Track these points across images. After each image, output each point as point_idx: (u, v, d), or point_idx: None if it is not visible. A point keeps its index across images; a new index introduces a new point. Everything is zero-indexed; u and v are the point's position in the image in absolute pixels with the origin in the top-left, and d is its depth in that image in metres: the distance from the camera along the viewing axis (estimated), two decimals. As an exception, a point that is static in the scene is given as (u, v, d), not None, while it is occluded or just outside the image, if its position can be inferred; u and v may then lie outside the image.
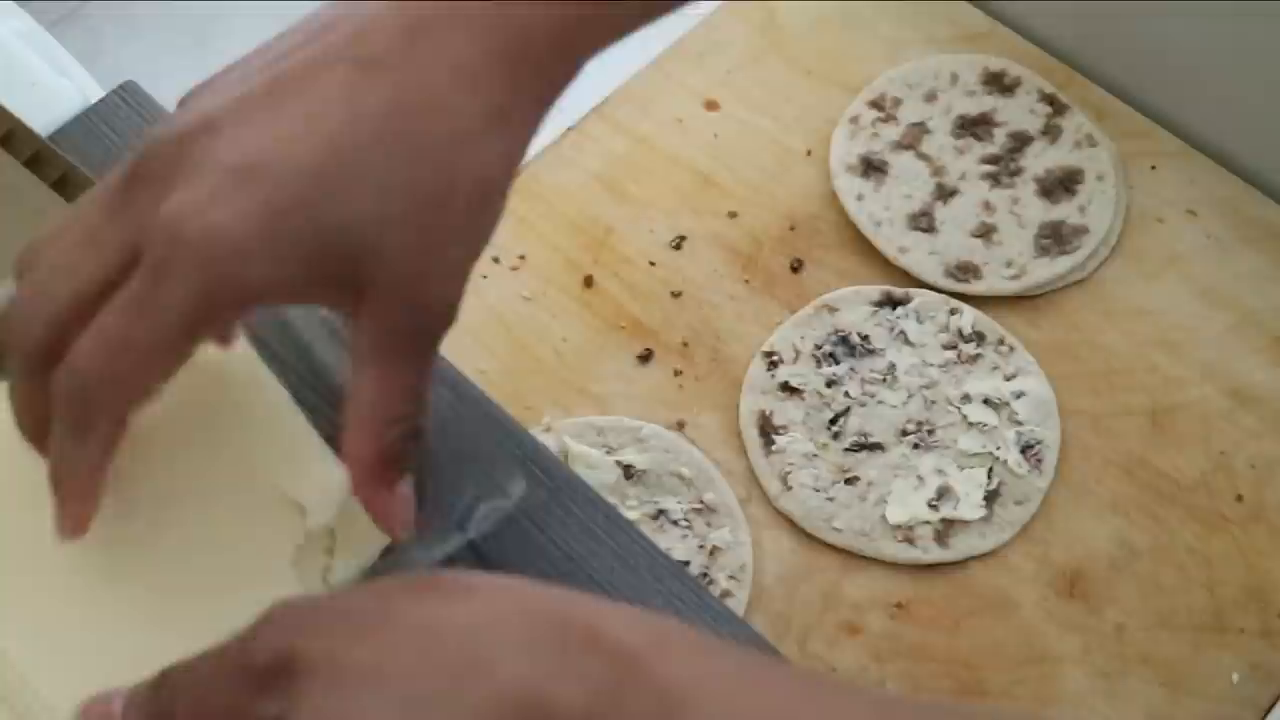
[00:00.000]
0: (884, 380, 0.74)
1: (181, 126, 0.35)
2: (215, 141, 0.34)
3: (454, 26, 0.36)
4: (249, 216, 0.33)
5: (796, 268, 0.78)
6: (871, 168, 0.80)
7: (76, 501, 0.37)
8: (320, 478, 0.42)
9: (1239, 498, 0.71)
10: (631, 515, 0.70)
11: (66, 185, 0.49)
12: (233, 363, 0.42)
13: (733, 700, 0.29)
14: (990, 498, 0.71)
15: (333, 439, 0.43)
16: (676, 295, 0.77)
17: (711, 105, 0.84)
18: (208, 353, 0.37)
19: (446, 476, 0.45)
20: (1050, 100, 0.82)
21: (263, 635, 0.30)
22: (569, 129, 0.83)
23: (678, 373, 0.75)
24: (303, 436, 0.43)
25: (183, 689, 0.31)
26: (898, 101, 0.82)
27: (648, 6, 0.40)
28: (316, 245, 0.34)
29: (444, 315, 0.37)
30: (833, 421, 0.73)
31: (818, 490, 0.71)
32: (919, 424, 0.73)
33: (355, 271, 0.35)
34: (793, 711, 0.29)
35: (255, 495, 0.42)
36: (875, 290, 0.76)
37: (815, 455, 0.72)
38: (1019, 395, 0.73)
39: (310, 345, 0.46)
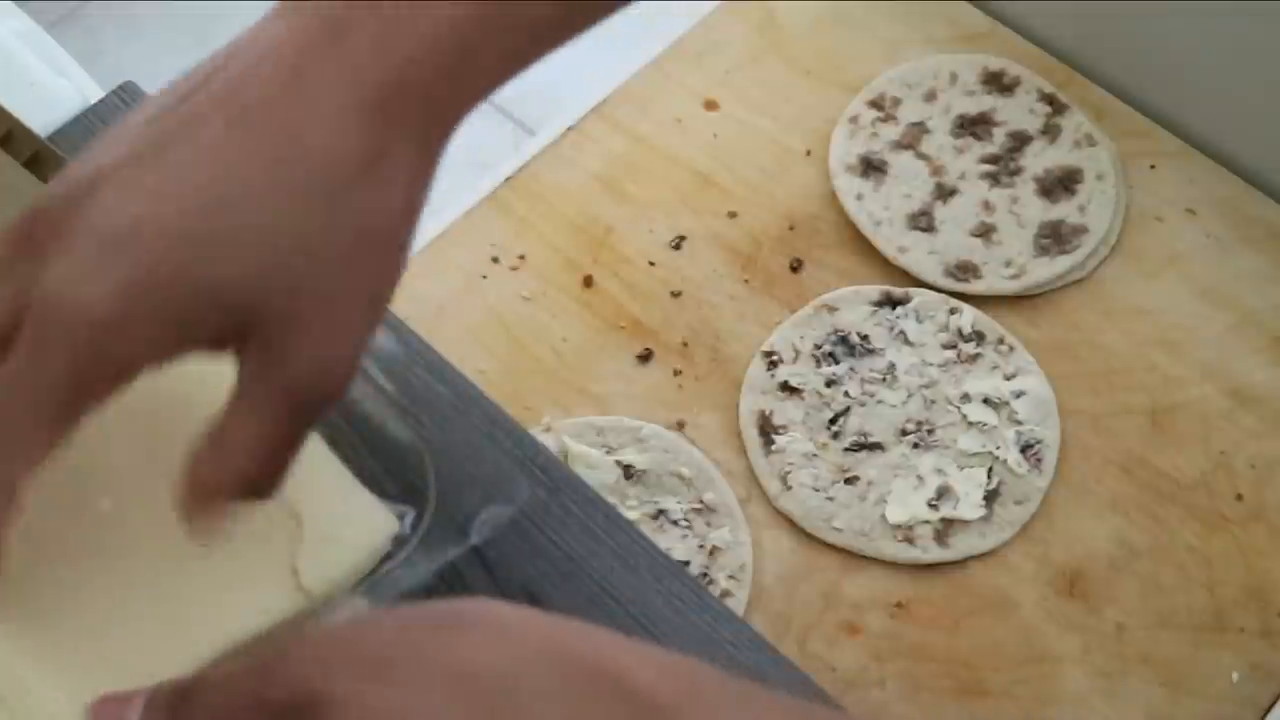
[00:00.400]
0: (884, 380, 0.74)
1: (68, 188, 0.34)
2: (93, 208, 0.34)
3: (332, 66, 0.34)
4: (119, 288, 0.33)
5: (796, 267, 0.78)
6: (871, 167, 0.80)
7: None
8: (320, 484, 0.42)
9: (1239, 497, 0.71)
10: (631, 515, 0.70)
11: (66, 186, 0.49)
12: (232, 368, 0.42)
13: None
14: (990, 497, 0.71)
15: (333, 443, 0.43)
16: (676, 295, 0.77)
17: (711, 105, 0.84)
18: (206, 357, 0.37)
19: (447, 480, 0.45)
20: (1050, 100, 0.82)
21: (283, 671, 0.30)
22: (569, 129, 0.83)
23: (677, 373, 0.75)
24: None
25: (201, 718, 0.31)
26: (897, 101, 0.82)
27: (544, 35, 0.38)
28: (190, 308, 0.34)
29: (321, 373, 0.35)
30: (832, 421, 0.73)
31: (817, 490, 0.71)
32: (919, 424, 0.73)
33: (234, 328, 0.34)
34: None
35: None
36: (875, 290, 0.76)
37: (815, 455, 0.72)
38: (1019, 395, 0.73)
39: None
